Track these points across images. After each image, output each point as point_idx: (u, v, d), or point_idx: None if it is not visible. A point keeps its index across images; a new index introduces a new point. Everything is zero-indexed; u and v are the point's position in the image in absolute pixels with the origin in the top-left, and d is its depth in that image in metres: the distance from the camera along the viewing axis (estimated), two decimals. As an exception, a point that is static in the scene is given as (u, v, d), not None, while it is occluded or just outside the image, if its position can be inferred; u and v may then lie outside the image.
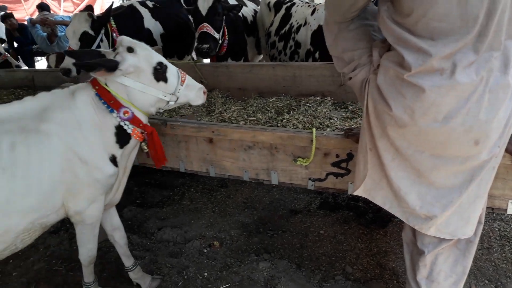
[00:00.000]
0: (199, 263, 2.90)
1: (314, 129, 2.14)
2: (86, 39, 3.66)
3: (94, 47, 3.70)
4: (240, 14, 4.22)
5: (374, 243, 2.99)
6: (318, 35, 3.73)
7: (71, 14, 11.40)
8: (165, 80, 2.14)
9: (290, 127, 2.77)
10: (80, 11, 3.84)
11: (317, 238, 3.09)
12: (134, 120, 2.11)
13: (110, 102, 2.05)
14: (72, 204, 2.06)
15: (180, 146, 2.60)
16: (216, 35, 3.44)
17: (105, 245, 3.16)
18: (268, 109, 3.19)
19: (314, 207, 3.48)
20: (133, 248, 3.10)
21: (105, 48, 3.92)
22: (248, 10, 4.60)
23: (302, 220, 3.31)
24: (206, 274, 2.78)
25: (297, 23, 3.97)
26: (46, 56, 5.60)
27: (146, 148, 2.33)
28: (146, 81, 2.09)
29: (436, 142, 1.63)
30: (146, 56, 2.11)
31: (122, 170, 2.23)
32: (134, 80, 2.06)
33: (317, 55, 3.76)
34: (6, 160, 1.77)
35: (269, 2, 4.44)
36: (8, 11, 8.88)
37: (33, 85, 4.44)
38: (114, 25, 3.95)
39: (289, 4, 4.25)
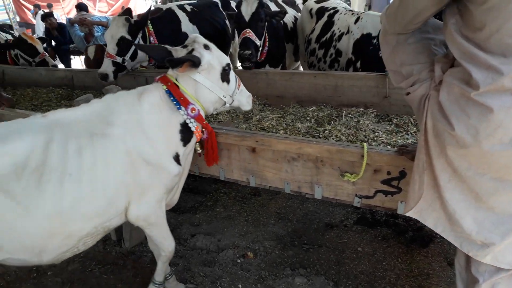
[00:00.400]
0: (233, 273, 2.84)
1: (365, 144, 2.04)
2: (123, 44, 3.69)
3: (131, 52, 3.74)
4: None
5: (415, 263, 2.85)
6: (360, 44, 3.62)
7: (105, 15, 11.71)
8: (228, 81, 2.21)
9: (332, 139, 2.68)
10: (119, 15, 3.85)
11: (354, 255, 2.97)
12: (199, 118, 2.13)
13: (180, 99, 2.05)
14: (135, 207, 2.04)
15: (221, 154, 2.55)
16: (258, 42, 3.38)
17: (138, 249, 3.15)
18: (308, 118, 3.11)
19: (351, 222, 3.36)
20: (166, 254, 3.07)
21: (141, 53, 3.93)
22: (288, 16, 4.54)
23: (338, 235, 3.20)
24: (240, 286, 2.71)
25: (339, 31, 3.87)
26: (85, 47, 5.66)
27: (199, 148, 2.37)
28: (214, 80, 2.13)
29: (500, 165, 1.51)
30: (219, 55, 2.17)
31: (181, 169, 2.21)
32: (205, 77, 2.09)
33: (358, 64, 3.66)
34: (73, 165, 1.77)
35: (311, 9, 4.36)
36: (49, 10, 9.13)
37: (72, 84, 4.50)
38: (152, 29, 3.96)
39: (332, 11, 4.15)
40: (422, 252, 2.96)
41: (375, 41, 3.52)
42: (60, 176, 1.73)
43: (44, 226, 1.72)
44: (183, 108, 2.06)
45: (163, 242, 2.31)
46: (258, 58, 3.65)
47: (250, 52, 3.28)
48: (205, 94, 2.12)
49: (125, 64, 3.72)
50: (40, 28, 12.18)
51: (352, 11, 4.06)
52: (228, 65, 2.18)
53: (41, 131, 1.77)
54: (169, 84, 2.07)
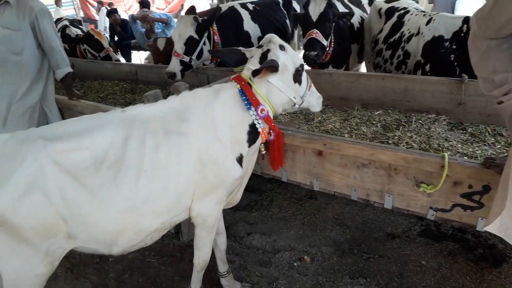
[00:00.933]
0: (289, 276, 2.79)
1: (446, 154, 1.91)
2: (191, 43, 3.71)
3: (197, 51, 3.75)
4: (347, 20, 4.05)
5: (486, 284, 2.66)
6: (431, 47, 3.43)
7: (162, 12, 12.04)
8: (300, 82, 2.17)
9: (403, 145, 2.55)
10: (186, 13, 3.88)
11: (418, 268, 2.82)
12: (267, 119, 2.10)
13: (252, 99, 2.04)
14: (198, 204, 2.05)
15: (285, 156, 2.50)
16: (325, 42, 3.29)
17: (191, 244, 3.19)
18: (374, 122, 2.99)
19: (414, 234, 3.19)
20: (222, 251, 3.09)
21: (206, 52, 3.96)
22: (354, 16, 4.39)
23: (400, 246, 3.06)
24: (297, 290, 2.66)
25: (409, 32, 3.69)
26: (154, 39, 5.75)
27: (263, 149, 2.32)
28: (286, 80, 2.11)
29: None
30: (293, 56, 2.14)
31: (244, 170, 2.19)
32: (277, 78, 2.07)
33: (427, 67, 3.46)
34: (149, 161, 1.79)
35: (380, 9, 4.20)
36: (112, 7, 9.54)
37: (136, 79, 4.65)
38: (216, 28, 3.98)
39: (402, 11, 3.96)
40: (494, 272, 2.75)
41: (447, 44, 3.31)
42: (137, 172, 1.76)
43: (117, 220, 1.76)
44: (253, 109, 2.04)
45: (203, 248, 2.29)
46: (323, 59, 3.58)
47: (316, 53, 3.19)
48: (276, 95, 2.10)
49: (192, 63, 3.73)
50: (103, 23, 12.81)
51: (424, 12, 3.85)
52: (301, 65, 2.14)
53: (121, 126, 1.80)
54: (243, 83, 2.06)
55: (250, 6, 4.47)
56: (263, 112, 2.05)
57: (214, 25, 3.96)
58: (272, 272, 2.83)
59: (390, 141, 2.62)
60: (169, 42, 5.14)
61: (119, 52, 8.09)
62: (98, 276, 2.90)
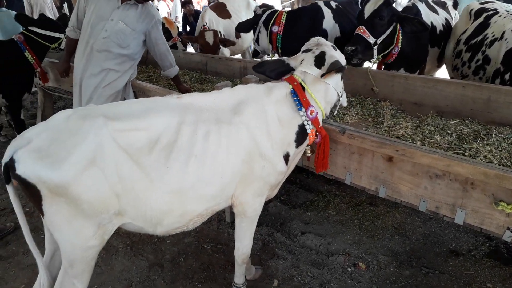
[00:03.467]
0: (342, 281, 2.74)
1: (534, 173, 1.75)
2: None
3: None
4: (429, 22, 3.83)
5: (561, 319, 2.42)
6: (513, 55, 3.15)
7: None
8: (342, 78, 2.28)
9: (480, 159, 2.37)
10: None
11: (483, 291, 2.64)
12: (315, 121, 2.14)
13: (303, 99, 2.08)
14: (240, 194, 2.09)
15: (352, 158, 2.44)
16: (371, 40, 3.18)
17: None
18: (449, 132, 2.81)
19: (481, 253, 2.98)
20: (276, 246, 3.10)
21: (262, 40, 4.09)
22: (438, 18, 4.16)
23: (464, 265, 2.87)
24: (350, 296, 2.60)
25: (493, 35, 3.42)
26: (200, 32, 5.64)
27: (309, 152, 2.38)
28: (337, 78, 2.20)
29: None
30: (341, 55, 2.25)
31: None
32: (333, 78, 2.16)
33: (507, 76, 3.18)
34: (199, 148, 1.85)
35: (472, 9, 3.95)
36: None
37: (205, 69, 4.77)
38: (283, 20, 4.03)
39: (490, 12, 3.67)
40: None
41: None
42: (187, 157, 1.81)
43: (165, 201, 1.82)
44: (303, 109, 2.09)
45: (242, 239, 2.32)
46: (384, 58, 3.52)
47: (354, 48, 3.13)
48: (332, 93, 2.19)
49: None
50: (174, 13, 13.28)
51: None
52: (345, 63, 2.28)
53: (176, 112, 1.87)
54: (295, 84, 2.10)
55: (333, 4, 4.37)
56: (312, 113, 2.11)
57: (283, 18, 4.03)
58: (325, 275, 2.79)
59: (466, 153, 2.45)
60: (216, 34, 5.25)
61: (189, 44, 8.33)
62: (155, 256, 3.04)
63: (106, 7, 3.32)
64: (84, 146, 1.62)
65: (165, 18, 6.38)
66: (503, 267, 2.84)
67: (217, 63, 4.66)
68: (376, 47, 3.29)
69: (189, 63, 4.92)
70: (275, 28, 4.02)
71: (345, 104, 2.49)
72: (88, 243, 1.76)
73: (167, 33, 5.79)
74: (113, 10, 3.31)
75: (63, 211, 1.66)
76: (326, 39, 4.09)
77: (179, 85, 3.84)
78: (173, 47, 5.81)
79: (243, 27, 4.52)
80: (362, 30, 3.23)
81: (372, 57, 3.36)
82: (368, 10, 3.29)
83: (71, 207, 1.64)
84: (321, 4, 4.26)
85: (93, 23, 3.34)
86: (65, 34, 4.47)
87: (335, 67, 2.05)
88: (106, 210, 1.72)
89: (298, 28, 4.03)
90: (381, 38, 3.30)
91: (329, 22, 4.17)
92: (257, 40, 4.23)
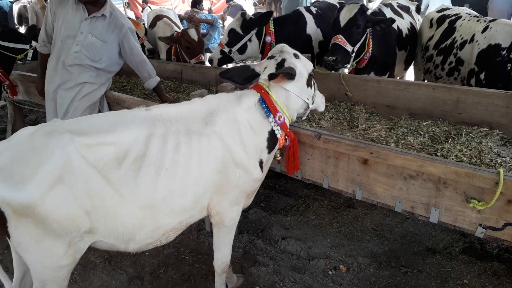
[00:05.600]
0: (323, 284, 2.75)
1: (501, 170, 1.81)
2: (233, 36, 3.94)
3: (239, 45, 3.94)
4: (395, 26, 3.94)
5: (534, 310, 2.51)
6: (486, 55, 3.30)
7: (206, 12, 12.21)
8: (311, 86, 2.29)
9: (452, 158, 2.44)
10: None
11: (459, 287, 2.71)
12: (283, 126, 2.18)
13: (271, 106, 2.11)
14: (216, 204, 2.09)
15: (328, 162, 2.47)
16: (349, 48, 3.24)
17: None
18: (421, 133, 2.89)
19: (456, 250, 3.06)
20: (257, 252, 3.09)
21: (251, 49, 4.04)
22: (404, 22, 4.28)
23: (441, 262, 2.94)
24: (331, 299, 2.61)
25: (462, 38, 3.57)
26: (182, 30, 5.32)
27: (278, 155, 2.40)
28: (301, 85, 2.21)
29: None
30: (306, 62, 2.27)
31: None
32: (294, 85, 2.17)
33: (482, 76, 3.32)
34: (170, 160, 1.82)
35: (432, 19, 4.12)
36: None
37: (181, 78, 4.75)
38: (272, 29, 4.01)
39: (453, 17, 3.85)
40: (544, 299, 2.59)
41: (504, 52, 3.18)
42: (157, 170, 1.78)
43: (136, 216, 1.78)
44: (272, 116, 2.12)
45: (221, 249, 2.32)
46: (357, 63, 3.58)
47: (335, 58, 3.17)
48: (294, 100, 2.20)
49: (231, 55, 3.98)
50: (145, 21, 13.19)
51: (477, 17, 3.71)
52: (313, 70, 2.29)
53: (144, 124, 1.83)
54: (262, 91, 2.13)
55: (313, 10, 4.43)
56: (280, 119, 2.14)
57: (272, 27, 4.02)
58: (306, 279, 2.80)
59: (438, 153, 2.52)
60: (199, 31, 5.17)
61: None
62: (134, 268, 2.98)
63: (73, 20, 3.23)
64: (50, 163, 1.57)
65: (131, 19, 6.25)
66: (478, 262, 2.93)
67: (192, 71, 4.64)
68: (353, 54, 3.37)
69: (164, 71, 4.88)
70: (268, 39, 3.99)
71: (320, 109, 2.55)
72: (59, 263, 1.70)
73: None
74: (81, 22, 3.22)
75: (30, 232, 1.59)
76: (311, 44, 4.22)
77: (161, 96, 3.67)
78: (142, 47, 5.67)
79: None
80: (340, 39, 3.27)
81: (349, 64, 3.43)
82: (344, 18, 3.34)
83: (39, 227, 1.58)
84: (303, 10, 4.31)
85: (63, 37, 3.24)
86: (31, 45, 4.38)
87: (283, 71, 2.05)
88: (76, 229, 1.66)
89: (286, 35, 4.04)
90: (357, 46, 3.38)
91: (311, 27, 4.22)
92: (242, 49, 4.00)
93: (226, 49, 3.96)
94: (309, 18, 4.25)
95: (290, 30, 4.12)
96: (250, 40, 3.99)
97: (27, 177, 1.53)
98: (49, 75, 3.41)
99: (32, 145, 1.60)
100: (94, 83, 3.40)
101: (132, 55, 3.42)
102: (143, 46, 5.71)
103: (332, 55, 3.24)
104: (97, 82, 3.42)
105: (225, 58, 4.05)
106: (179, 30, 5.56)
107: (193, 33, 4.90)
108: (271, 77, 2.06)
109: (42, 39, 3.47)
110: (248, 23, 3.91)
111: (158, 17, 6.12)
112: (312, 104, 2.37)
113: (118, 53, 3.43)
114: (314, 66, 4.19)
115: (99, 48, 3.27)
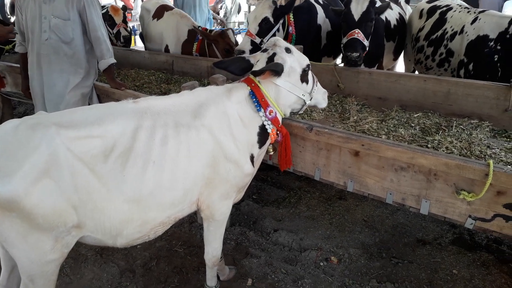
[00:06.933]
0: (315, 276, 2.77)
1: (491, 162, 1.83)
2: (265, 25, 3.68)
3: (270, 35, 3.71)
4: (383, 17, 3.92)
5: (521, 299, 2.55)
6: (475, 46, 3.32)
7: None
8: (307, 82, 2.25)
9: (442, 150, 2.46)
10: None
11: (449, 277, 2.74)
12: (275, 121, 2.15)
13: (262, 100, 2.09)
14: (206, 198, 2.07)
15: (320, 154, 2.47)
16: (366, 43, 3.21)
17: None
18: (412, 125, 2.90)
19: (446, 241, 3.10)
20: (249, 244, 3.09)
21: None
22: (392, 13, 4.27)
23: (431, 253, 2.97)
24: (322, 290, 2.64)
25: (452, 30, 3.59)
26: (223, 31, 5.00)
27: (271, 150, 2.37)
28: (294, 81, 2.17)
29: None
30: (299, 57, 2.21)
31: None
32: (285, 80, 2.13)
33: (471, 66, 3.34)
34: (157, 153, 1.80)
35: (422, 9, 4.12)
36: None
37: (172, 69, 4.70)
38: (292, 19, 3.92)
39: (444, 9, 3.87)
40: (530, 288, 2.64)
41: (491, 43, 3.21)
42: (145, 163, 1.76)
43: (123, 210, 1.76)
44: (262, 110, 2.10)
45: (211, 243, 2.32)
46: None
47: (358, 54, 3.13)
48: (284, 96, 2.16)
49: (262, 46, 3.71)
50: (138, 10, 13.03)
51: (468, 8, 3.72)
52: (308, 66, 2.22)
53: (132, 117, 1.81)
54: (253, 85, 2.11)
55: (321, 0, 4.34)
56: (271, 113, 2.12)
57: (291, 16, 3.91)
58: (298, 270, 2.81)
59: (429, 145, 2.54)
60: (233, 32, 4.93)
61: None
62: (126, 261, 2.96)
63: (33, 6, 3.12)
64: (35, 157, 1.53)
65: (111, 5, 6.11)
66: (467, 253, 2.96)
67: (183, 62, 4.60)
68: (367, 48, 3.34)
69: (155, 63, 4.84)
70: (290, 29, 3.89)
71: (321, 106, 2.49)
72: (47, 258, 1.67)
73: (110, 21, 5.54)
74: (40, 6, 3.09)
75: (16, 227, 1.56)
76: (319, 35, 4.16)
77: (110, 80, 3.44)
78: (117, 34, 5.59)
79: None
80: (359, 34, 3.23)
81: None
82: (357, 11, 3.29)
83: (25, 222, 1.56)
84: (312, 0, 4.23)
85: (31, 29, 3.15)
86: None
87: (268, 68, 2.02)
88: (63, 223, 1.64)
89: (301, 27, 3.95)
90: (369, 39, 3.35)
91: (321, 17, 4.15)
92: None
93: (258, 40, 3.65)
94: (319, 9, 4.18)
95: (304, 20, 4.01)
96: (278, 29, 3.81)
97: (11, 171, 1.50)
98: (31, 71, 3.33)
99: (17, 138, 1.57)
100: (77, 72, 3.31)
101: (89, 29, 3.25)
102: (119, 33, 5.60)
103: (355, 50, 3.20)
104: (79, 70, 3.32)
105: (255, 49, 3.71)
106: (199, 24, 5.30)
107: (232, 35, 4.74)
108: (255, 74, 2.05)
109: (18, 39, 3.38)
110: (279, 11, 3.69)
111: (165, 8, 5.86)
112: (310, 100, 2.32)
113: (83, 27, 3.29)
114: (320, 58, 4.17)
115: (65, 28, 3.15)
